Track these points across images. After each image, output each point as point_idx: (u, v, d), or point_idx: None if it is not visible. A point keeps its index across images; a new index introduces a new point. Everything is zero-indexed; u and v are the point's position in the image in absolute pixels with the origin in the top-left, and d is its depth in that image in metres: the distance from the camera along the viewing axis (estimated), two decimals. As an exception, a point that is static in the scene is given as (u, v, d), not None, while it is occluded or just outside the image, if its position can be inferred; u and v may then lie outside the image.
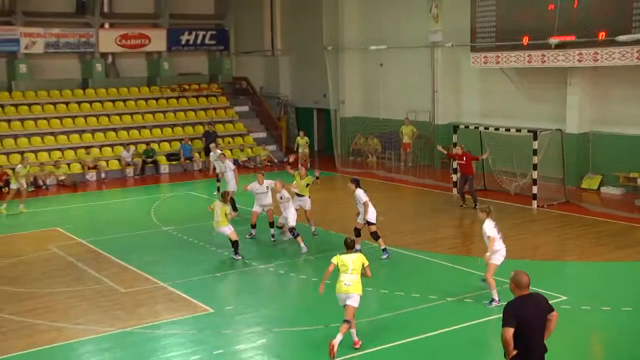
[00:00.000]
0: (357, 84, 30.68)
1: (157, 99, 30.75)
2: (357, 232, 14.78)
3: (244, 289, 13.17)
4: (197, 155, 28.74)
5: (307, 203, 16.59)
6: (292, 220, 15.51)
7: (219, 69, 33.58)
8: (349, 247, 10.38)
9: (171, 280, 13.52)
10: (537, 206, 19.41)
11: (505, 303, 7.11)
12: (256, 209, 16.49)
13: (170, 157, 28.38)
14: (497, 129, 21.31)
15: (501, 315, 7.05)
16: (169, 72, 32.21)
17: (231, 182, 19.01)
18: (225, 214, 14.83)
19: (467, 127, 22.19)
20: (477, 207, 19.06)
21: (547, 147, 20.51)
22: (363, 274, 10.12)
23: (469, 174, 19.51)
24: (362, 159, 29.21)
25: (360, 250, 10.49)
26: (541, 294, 7.27)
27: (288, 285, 13.43)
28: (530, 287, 7.08)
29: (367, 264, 10.18)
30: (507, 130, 20.83)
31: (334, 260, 10.16)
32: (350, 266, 10.03)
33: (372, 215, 14.54)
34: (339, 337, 9.74)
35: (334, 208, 20.32)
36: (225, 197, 14.97)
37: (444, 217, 19.16)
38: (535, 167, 19.40)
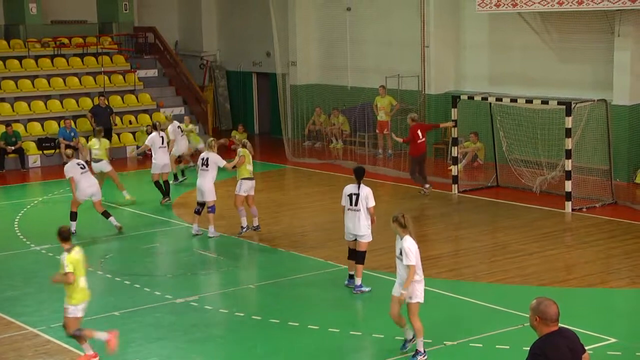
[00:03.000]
0: (314, 37, 30.68)
1: (20, 59, 30.31)
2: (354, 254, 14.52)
3: (155, 333, 13.07)
4: (82, 141, 28.45)
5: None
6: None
7: (114, 16, 33.27)
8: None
9: (45, 324, 13.34)
10: (572, 209, 19.69)
11: (532, 345, 7.17)
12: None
13: (44, 144, 28.01)
14: (514, 100, 21.54)
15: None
16: (39, 19, 31.78)
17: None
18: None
19: (471, 97, 22.38)
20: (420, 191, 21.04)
21: (587, 126, 20.79)
22: None
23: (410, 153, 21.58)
24: (323, 144, 29.27)
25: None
26: (571, 329, 7.36)
27: (217, 326, 13.37)
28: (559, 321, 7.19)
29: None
30: (529, 101, 21.07)
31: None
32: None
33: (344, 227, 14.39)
34: None
35: (285, 215, 20.31)
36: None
37: (438, 226, 19.28)
38: (569, 154, 19.67)
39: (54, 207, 22.05)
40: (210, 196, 17.86)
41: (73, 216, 18.57)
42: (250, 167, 17.72)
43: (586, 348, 7.36)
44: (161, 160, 21.48)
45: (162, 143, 21.62)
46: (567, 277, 15.19)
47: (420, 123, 22.26)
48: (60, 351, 12.28)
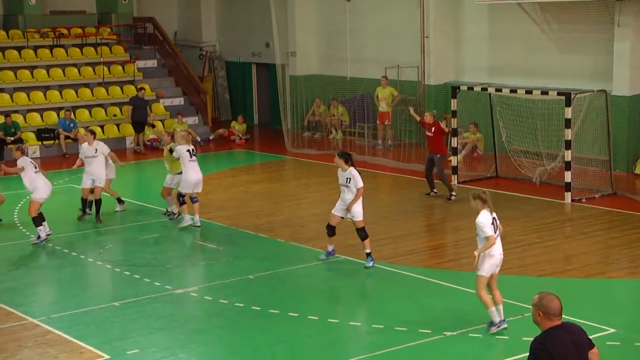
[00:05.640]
0: (314, 28, 30.65)
1: (19, 49, 30.27)
2: (332, 230, 15.23)
3: (155, 324, 13.08)
4: (82, 132, 28.42)
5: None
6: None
7: (113, 6, 33.23)
8: None
9: (45, 315, 13.35)
10: (572, 200, 19.70)
11: (532, 339, 7.17)
12: (86, 182, 18.69)
13: (43, 134, 28.00)
14: (513, 90, 21.54)
15: (527, 355, 7.10)
16: (37, 9, 31.74)
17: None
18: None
19: (470, 88, 22.37)
20: (452, 197, 19.81)
21: (586, 117, 20.79)
22: None
23: (436, 153, 20.12)
24: (322, 135, 29.26)
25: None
26: (577, 324, 7.35)
27: (216, 316, 13.39)
28: (562, 316, 7.16)
29: None
30: (529, 92, 21.07)
31: None
32: None
33: (360, 207, 15.03)
34: None
35: (285, 206, 20.32)
36: None
37: (439, 217, 19.31)
38: (568, 144, 19.67)
39: (53, 197, 22.01)
40: (200, 187, 18.15)
41: (38, 221, 17.31)
42: None
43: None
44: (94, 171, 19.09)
45: (95, 152, 18.94)
46: (567, 267, 15.22)
47: (437, 121, 21.13)
48: (60, 341, 12.30)
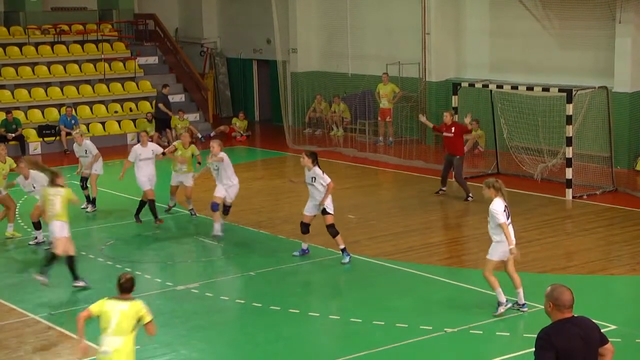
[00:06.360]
0: (315, 24, 30.63)
1: (20, 46, 30.27)
2: (306, 227, 15.40)
3: (156, 320, 13.00)
4: (82, 128, 28.45)
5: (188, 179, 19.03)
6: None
7: (114, 2, 33.23)
8: (124, 289, 9.38)
9: (46, 311, 13.40)
10: (573, 197, 19.70)
11: (540, 330, 7.16)
12: (146, 184, 18.41)
13: (44, 131, 28.01)
14: (514, 87, 21.53)
15: (532, 348, 7.09)
16: (38, 6, 31.76)
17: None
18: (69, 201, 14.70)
19: (472, 85, 22.37)
20: (469, 199, 19.59)
21: (587, 113, 20.78)
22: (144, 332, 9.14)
23: (454, 154, 19.85)
24: (324, 131, 29.26)
25: (132, 298, 9.44)
26: (590, 318, 7.28)
27: (218, 313, 13.40)
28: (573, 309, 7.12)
29: (147, 319, 9.27)
30: (530, 89, 21.06)
31: (95, 307, 9.19)
32: (113, 322, 9.07)
33: (331, 202, 15.20)
34: None
35: (286, 202, 20.32)
36: (55, 178, 14.36)
37: (440, 214, 19.32)
38: (569, 141, 19.66)
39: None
40: None
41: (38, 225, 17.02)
42: None
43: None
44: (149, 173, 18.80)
45: (152, 154, 18.81)
46: (568, 264, 15.23)
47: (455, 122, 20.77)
48: (61, 338, 12.31)
